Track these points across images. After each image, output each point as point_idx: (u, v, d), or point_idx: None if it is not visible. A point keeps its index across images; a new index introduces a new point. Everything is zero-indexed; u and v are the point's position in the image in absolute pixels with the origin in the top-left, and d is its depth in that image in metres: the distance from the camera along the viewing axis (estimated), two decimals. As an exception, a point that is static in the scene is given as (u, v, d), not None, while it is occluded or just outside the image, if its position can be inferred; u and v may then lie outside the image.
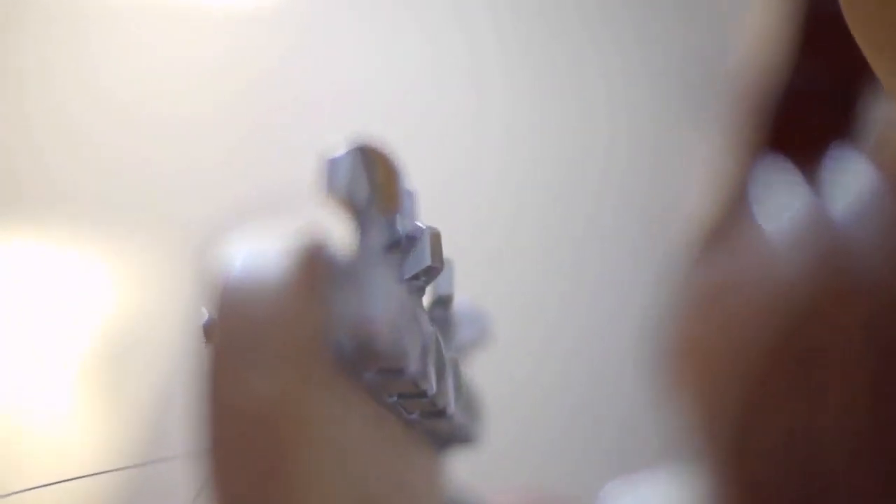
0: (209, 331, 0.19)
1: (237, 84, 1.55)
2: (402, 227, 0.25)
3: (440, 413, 0.28)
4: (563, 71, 1.54)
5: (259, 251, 0.19)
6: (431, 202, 1.47)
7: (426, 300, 0.30)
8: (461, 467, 0.42)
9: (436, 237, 0.26)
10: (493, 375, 1.20)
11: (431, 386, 0.26)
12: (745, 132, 0.62)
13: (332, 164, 0.21)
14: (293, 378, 0.18)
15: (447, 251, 0.34)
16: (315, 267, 0.20)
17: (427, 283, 0.27)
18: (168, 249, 1.39)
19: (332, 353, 0.20)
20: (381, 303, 0.20)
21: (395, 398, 0.25)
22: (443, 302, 0.30)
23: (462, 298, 0.34)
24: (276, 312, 0.19)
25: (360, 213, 0.22)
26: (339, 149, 0.22)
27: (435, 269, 0.26)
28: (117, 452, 1.21)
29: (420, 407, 0.27)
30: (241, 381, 0.18)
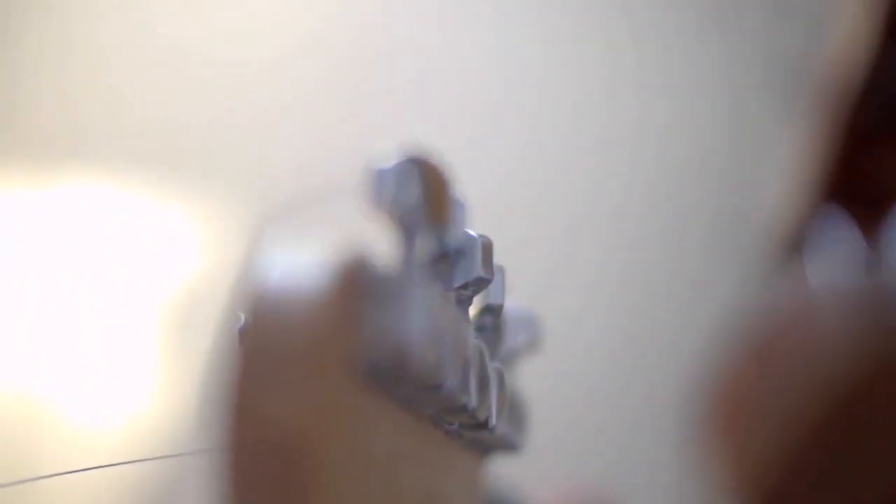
0: (244, 336, 0.19)
1: (315, 37, 1.54)
2: (451, 237, 0.24)
3: (482, 425, 0.27)
4: (647, 71, 1.51)
5: (297, 263, 0.19)
6: (505, 201, 1.45)
7: (477, 307, 0.29)
8: (509, 465, 0.41)
9: (486, 247, 0.26)
10: (554, 379, 1.20)
11: (472, 399, 0.25)
12: (828, 134, 0.60)
13: (380, 175, 0.21)
14: (320, 402, 0.18)
15: (507, 255, 0.33)
16: (352, 283, 0.19)
17: (475, 293, 0.26)
18: (243, 203, 1.39)
19: (367, 371, 0.20)
20: (418, 320, 0.20)
21: (434, 412, 0.25)
22: (493, 310, 0.29)
23: (514, 303, 0.33)
24: (307, 330, 0.18)
25: (405, 225, 0.21)
26: (388, 159, 0.21)
27: (484, 279, 0.26)
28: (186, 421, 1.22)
29: (461, 419, 0.26)
30: (265, 405, 0.17)
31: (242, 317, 0.20)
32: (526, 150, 1.48)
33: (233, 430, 0.17)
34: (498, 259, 0.30)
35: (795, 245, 0.50)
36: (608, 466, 1.26)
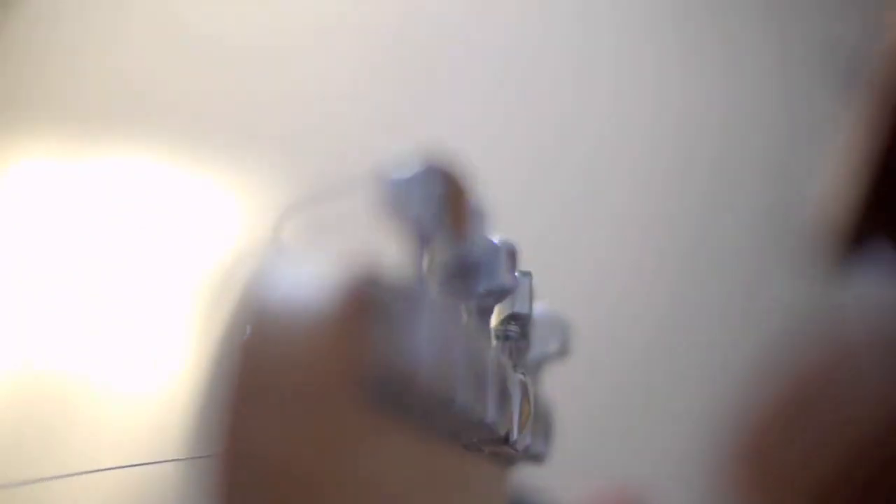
0: (243, 351, 0.18)
1: (355, 18, 1.53)
2: (472, 246, 0.23)
3: (503, 440, 0.26)
4: (695, 63, 1.48)
5: (303, 276, 0.18)
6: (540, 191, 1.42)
7: (501, 313, 0.28)
8: (534, 471, 0.40)
9: (510, 254, 0.24)
10: (583, 384, 1.17)
11: (489, 414, 0.24)
12: (881, 128, 0.58)
13: (396, 185, 0.20)
14: (321, 425, 0.17)
15: (537, 257, 0.32)
16: (360, 299, 0.18)
17: (498, 301, 0.25)
18: (276, 178, 1.39)
19: (374, 392, 0.19)
20: (427, 338, 0.19)
21: (449, 430, 0.23)
22: (519, 319, 0.28)
23: (543, 309, 0.32)
24: (310, 349, 0.17)
25: (420, 238, 0.20)
26: (404, 165, 0.20)
27: (508, 288, 0.25)
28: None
29: (479, 435, 0.25)
30: (261, 429, 0.16)
31: (247, 328, 0.19)
32: (563, 145, 1.46)
33: (225, 454, 0.16)
34: (526, 262, 0.28)
35: (844, 251, 0.48)
36: (635, 472, 1.24)
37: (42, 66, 1.50)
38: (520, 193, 1.38)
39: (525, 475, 0.35)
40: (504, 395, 0.25)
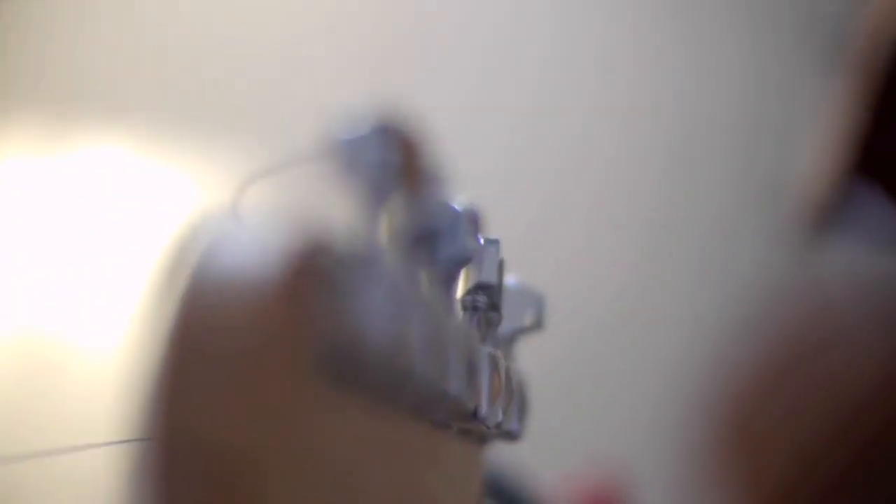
0: (177, 327, 0.16)
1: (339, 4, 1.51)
2: (431, 211, 0.22)
3: (472, 415, 0.25)
4: (672, 35, 1.47)
5: (246, 245, 0.17)
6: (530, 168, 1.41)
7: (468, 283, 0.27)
8: (507, 449, 0.39)
9: (472, 220, 0.23)
10: (557, 359, 1.16)
11: (452, 388, 0.23)
12: (861, 99, 0.57)
13: (348, 145, 0.18)
14: (263, 403, 0.15)
15: (512, 228, 0.30)
16: (306, 267, 0.17)
17: (460, 268, 0.24)
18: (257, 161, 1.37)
19: (322, 362, 0.17)
20: (378, 306, 0.18)
21: (411, 404, 0.22)
22: (486, 288, 0.27)
23: (515, 280, 0.31)
24: (251, 320, 0.16)
25: (373, 200, 0.19)
26: (357, 126, 0.19)
27: (468, 254, 0.23)
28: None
29: (446, 409, 0.24)
30: (198, 408, 0.15)
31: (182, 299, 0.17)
32: (540, 119, 1.45)
33: (159, 432, 0.15)
34: (497, 234, 0.27)
35: (824, 216, 0.47)
36: (610, 446, 1.24)
37: (12, 58, 1.49)
38: (492, 168, 1.36)
39: (501, 453, 0.34)
40: (471, 368, 0.24)
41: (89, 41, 1.49)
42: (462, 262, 0.23)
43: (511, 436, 0.30)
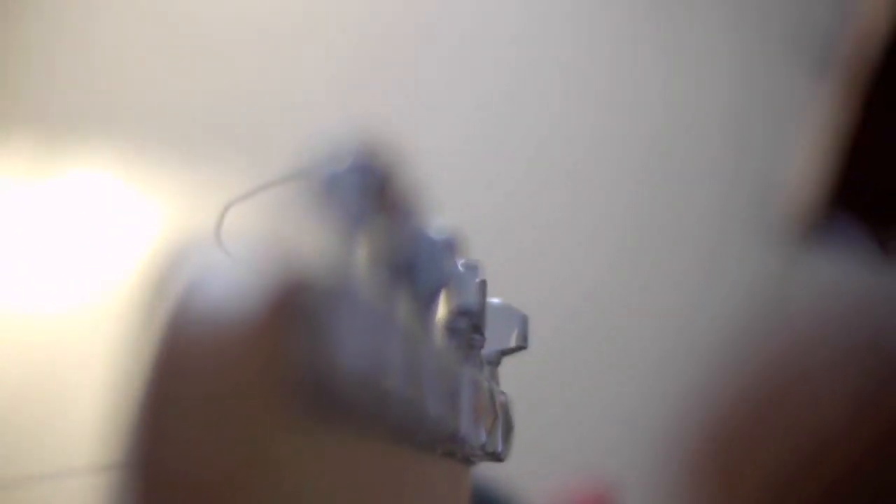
0: (157, 361, 0.17)
1: (319, 23, 1.51)
2: (407, 238, 0.22)
3: (453, 438, 0.25)
4: (663, 42, 1.47)
5: (220, 273, 0.17)
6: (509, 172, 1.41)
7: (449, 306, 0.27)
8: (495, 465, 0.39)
9: (449, 247, 0.24)
10: (544, 374, 1.16)
11: (433, 412, 0.23)
12: (848, 108, 0.58)
13: (331, 180, 0.19)
14: (243, 436, 0.16)
15: (498, 243, 0.31)
16: (285, 300, 0.17)
17: (437, 294, 0.24)
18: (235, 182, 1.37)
19: (300, 394, 0.18)
20: (355, 337, 0.18)
21: (393, 430, 0.23)
22: (467, 312, 0.27)
23: (499, 302, 0.31)
24: (231, 352, 0.16)
25: (349, 231, 0.19)
26: (339, 161, 0.19)
27: (445, 281, 0.24)
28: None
29: (428, 434, 0.24)
30: (180, 442, 0.15)
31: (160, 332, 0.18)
32: (527, 128, 1.45)
33: (136, 463, 0.16)
34: (482, 251, 0.28)
35: (809, 228, 0.47)
36: (594, 462, 1.23)
37: (8, 69, 1.49)
38: (473, 176, 1.37)
39: (488, 467, 0.35)
40: (452, 392, 0.24)
41: (82, 62, 1.49)
42: (439, 289, 0.23)
43: (496, 457, 0.31)
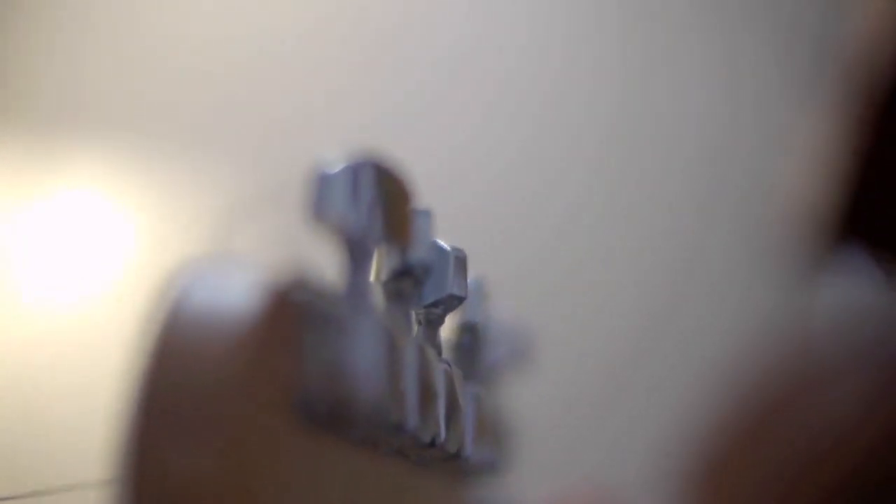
0: (149, 371, 0.16)
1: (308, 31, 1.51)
2: (415, 251, 0.21)
3: (454, 457, 0.24)
4: (666, 58, 1.46)
5: (216, 284, 0.16)
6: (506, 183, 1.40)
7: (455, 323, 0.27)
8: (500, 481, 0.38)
9: (459, 261, 0.23)
10: (551, 391, 1.15)
11: (440, 433, 0.22)
12: (855, 125, 0.57)
13: (324, 182, 0.18)
14: (241, 452, 0.15)
15: (501, 257, 0.30)
16: (287, 309, 0.16)
17: (447, 311, 0.24)
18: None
19: (304, 412, 0.17)
20: (366, 354, 0.17)
21: (396, 450, 0.22)
22: (471, 329, 0.26)
23: (499, 315, 0.30)
24: (228, 365, 0.15)
25: (353, 241, 0.18)
26: (334, 163, 0.18)
27: (456, 297, 0.23)
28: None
29: (428, 455, 0.23)
30: (171, 457, 0.15)
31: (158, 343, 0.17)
32: (529, 143, 1.44)
33: (129, 477, 0.15)
34: (482, 260, 0.27)
35: (819, 253, 0.47)
36: (600, 476, 1.23)
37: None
38: (477, 193, 1.36)
39: (491, 482, 0.34)
40: (454, 411, 0.23)
41: (79, 61, 1.48)
42: (452, 304, 0.23)
43: (494, 471, 0.30)
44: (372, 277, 0.20)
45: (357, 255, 0.18)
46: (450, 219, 0.26)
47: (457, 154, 1.38)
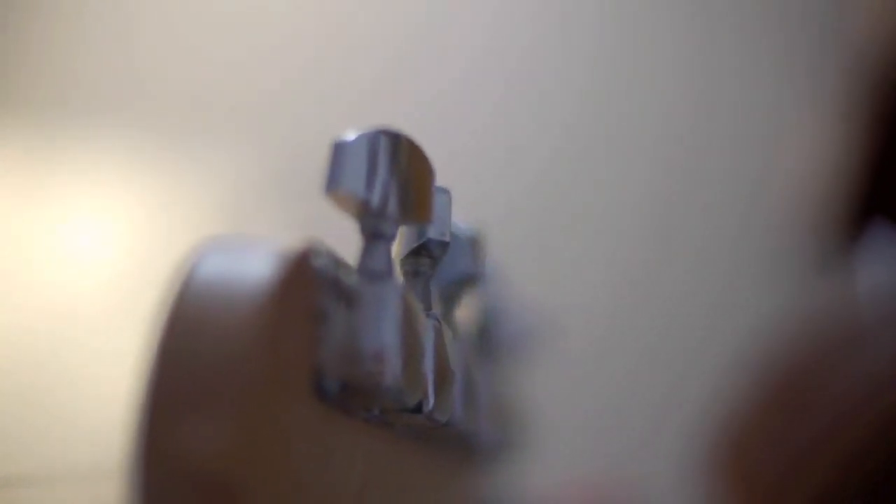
0: (163, 346, 0.16)
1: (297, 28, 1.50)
2: (433, 230, 0.21)
3: (467, 437, 0.24)
4: (674, 56, 1.46)
5: (233, 257, 0.16)
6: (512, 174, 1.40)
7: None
8: (519, 467, 0.38)
9: (476, 242, 0.22)
10: (565, 382, 1.15)
11: (456, 413, 0.22)
12: (868, 124, 0.57)
13: (339, 151, 0.17)
14: (258, 429, 0.15)
15: (521, 250, 0.30)
16: (304, 281, 0.16)
17: (464, 290, 0.23)
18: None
19: (318, 389, 0.17)
20: (388, 333, 0.17)
21: (409, 429, 0.21)
22: (467, 282, 0.26)
23: (516, 294, 0.30)
24: (243, 340, 0.15)
25: (371, 215, 0.18)
26: (351, 133, 0.18)
27: (475, 276, 0.23)
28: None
29: (443, 434, 0.23)
30: (185, 429, 0.14)
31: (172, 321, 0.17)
32: (538, 140, 1.43)
33: (145, 461, 0.15)
34: (503, 259, 0.27)
35: (834, 250, 0.46)
36: (620, 468, 1.23)
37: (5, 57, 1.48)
38: (491, 184, 1.36)
39: (510, 472, 0.34)
40: (472, 397, 0.23)
41: (82, 49, 1.48)
42: (472, 284, 0.22)
43: (495, 447, 0.29)
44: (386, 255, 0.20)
45: (375, 229, 0.18)
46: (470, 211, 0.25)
47: (480, 148, 1.37)
